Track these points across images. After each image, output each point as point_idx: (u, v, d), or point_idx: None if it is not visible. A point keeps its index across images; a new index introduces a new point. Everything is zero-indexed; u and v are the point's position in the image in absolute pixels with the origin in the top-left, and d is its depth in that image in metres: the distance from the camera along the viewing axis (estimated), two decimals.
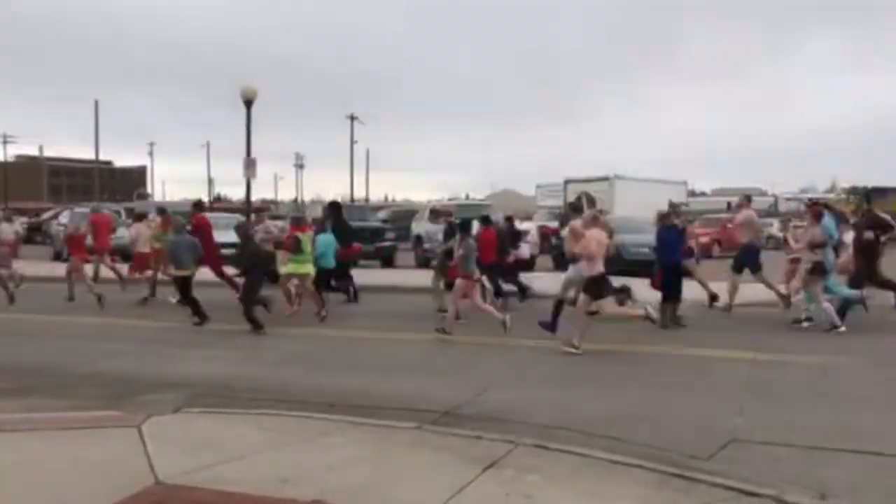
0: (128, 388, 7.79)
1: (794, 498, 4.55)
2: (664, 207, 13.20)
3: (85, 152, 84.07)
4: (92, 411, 6.78)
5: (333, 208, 15.43)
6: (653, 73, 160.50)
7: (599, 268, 9.60)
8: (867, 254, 11.62)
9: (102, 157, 68.72)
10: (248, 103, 20.40)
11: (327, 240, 13.41)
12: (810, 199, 12.64)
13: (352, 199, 60.02)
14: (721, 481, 4.81)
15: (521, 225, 17.29)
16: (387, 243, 22.78)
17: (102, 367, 8.93)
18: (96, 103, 56.20)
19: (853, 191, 56.58)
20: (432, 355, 9.67)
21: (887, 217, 12.22)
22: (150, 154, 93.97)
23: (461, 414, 6.72)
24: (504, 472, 5.05)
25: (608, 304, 9.90)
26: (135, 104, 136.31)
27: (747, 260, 13.00)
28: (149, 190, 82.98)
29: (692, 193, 57.60)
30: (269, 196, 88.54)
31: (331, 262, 13.34)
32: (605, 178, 26.62)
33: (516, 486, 4.78)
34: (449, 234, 12.95)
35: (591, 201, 13.50)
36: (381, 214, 28.56)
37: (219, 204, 60.85)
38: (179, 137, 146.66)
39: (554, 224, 21.50)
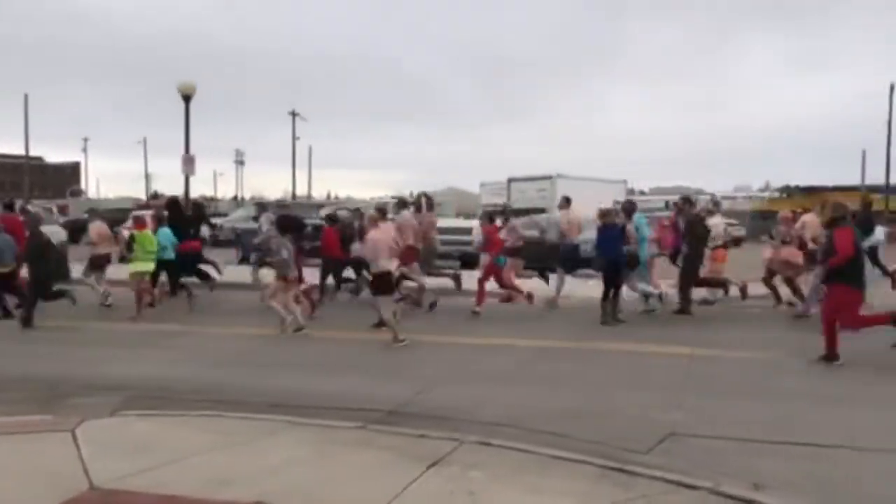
0: (60, 391, 7.55)
1: (730, 489, 4.67)
2: (606, 205, 13.50)
3: (15, 148, 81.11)
4: (21, 416, 6.55)
5: (172, 205, 15.63)
6: (597, 74, 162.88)
7: (386, 265, 10.09)
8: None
9: (33, 152, 66.27)
10: (187, 99, 19.95)
11: (165, 234, 13.73)
12: (680, 198, 13.15)
13: (294, 197, 59.32)
14: (660, 474, 4.92)
15: (466, 222, 17.44)
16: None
17: (31, 371, 8.63)
18: (26, 97, 54.17)
19: (786, 189, 58.51)
20: (375, 354, 9.61)
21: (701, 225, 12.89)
22: (84, 150, 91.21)
23: (405, 412, 6.70)
24: (448, 469, 5.06)
25: (387, 303, 10.24)
26: (68, 100, 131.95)
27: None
28: (83, 187, 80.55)
29: (631, 192, 58.68)
30: (209, 193, 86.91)
31: (171, 255, 13.70)
32: (548, 177, 26.89)
33: (460, 483, 4.79)
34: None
35: (430, 203, 14.31)
36: (324, 212, 28.13)
37: (155, 201, 59.37)
38: (116, 133, 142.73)
39: (498, 222, 21.59)
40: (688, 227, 12.72)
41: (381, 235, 10.30)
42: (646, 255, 12.74)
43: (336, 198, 78.48)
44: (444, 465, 5.14)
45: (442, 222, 17.68)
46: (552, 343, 10.10)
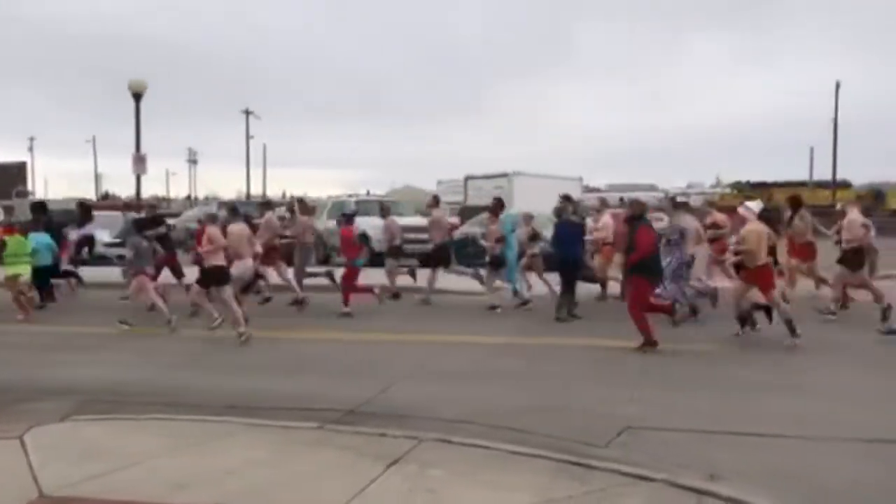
0: (6, 396, 7.32)
1: (686, 480, 4.74)
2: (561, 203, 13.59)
3: None
4: None
5: (36, 208, 15.34)
6: (552, 71, 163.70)
7: (217, 261, 10.65)
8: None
9: None
10: (137, 97, 19.60)
11: (39, 238, 13.55)
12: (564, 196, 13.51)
13: (247, 196, 58.62)
14: (617, 467, 4.98)
15: (425, 221, 17.55)
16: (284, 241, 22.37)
17: None
18: None
19: (737, 185, 59.78)
20: (333, 354, 9.55)
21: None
22: (31, 150, 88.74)
23: (365, 412, 6.67)
24: (407, 467, 5.05)
25: (228, 293, 10.56)
26: (12, 99, 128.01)
27: None
28: (30, 188, 78.29)
29: (587, 189, 59.28)
30: (161, 192, 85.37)
31: (47, 260, 13.63)
32: (505, 175, 27.00)
33: (420, 481, 4.79)
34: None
35: (305, 207, 14.93)
36: (279, 211, 27.85)
37: (105, 202, 58.12)
38: (64, 133, 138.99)
39: (455, 219, 21.72)
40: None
41: (235, 234, 11.15)
42: (513, 254, 13.10)
43: (291, 197, 77.79)
44: (403, 463, 5.13)
45: (400, 221, 17.75)
46: (510, 339, 10.16)
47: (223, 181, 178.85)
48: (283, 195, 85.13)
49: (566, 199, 12.91)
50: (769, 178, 58.43)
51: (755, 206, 10.09)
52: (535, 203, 16.97)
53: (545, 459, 5.19)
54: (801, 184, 56.15)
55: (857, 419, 6.32)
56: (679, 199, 15.63)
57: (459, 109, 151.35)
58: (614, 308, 12.68)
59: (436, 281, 14.11)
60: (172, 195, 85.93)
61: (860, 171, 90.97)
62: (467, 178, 28.86)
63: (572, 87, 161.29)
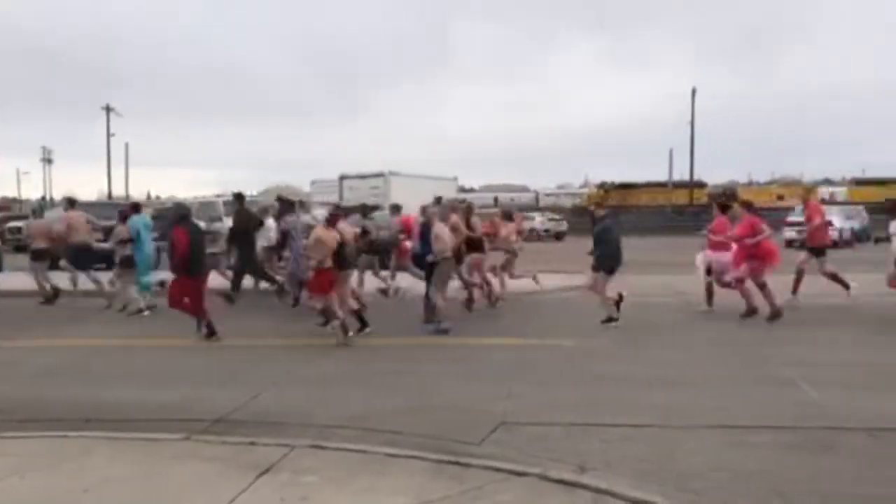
0: None
1: (558, 474, 4.84)
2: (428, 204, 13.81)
3: None
4: None
5: None
6: (428, 73, 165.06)
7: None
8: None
9: None
10: None
11: None
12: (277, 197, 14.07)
13: (109, 196, 55.61)
14: (492, 464, 5.03)
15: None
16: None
17: None
18: None
19: (603, 186, 62.26)
20: (201, 361, 9.16)
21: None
22: None
23: (234, 420, 6.43)
24: (280, 476, 4.90)
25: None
26: None
27: None
28: None
29: (462, 189, 60.04)
30: (12, 193, 79.40)
31: None
32: (381, 174, 26.94)
33: (292, 489, 4.65)
34: None
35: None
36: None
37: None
38: None
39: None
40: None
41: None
42: (149, 254, 13.60)
43: (157, 198, 74.48)
44: (275, 472, 4.97)
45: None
46: (385, 341, 10.11)
47: (82, 181, 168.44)
48: (148, 196, 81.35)
49: (438, 200, 13.18)
50: (633, 179, 61.25)
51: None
52: (412, 203, 16.97)
53: (422, 460, 5.16)
54: (662, 184, 59.32)
55: (717, 407, 6.67)
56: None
57: (335, 109, 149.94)
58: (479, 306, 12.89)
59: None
60: (24, 196, 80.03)
61: (715, 172, 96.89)
62: (342, 178, 28.57)
63: (448, 88, 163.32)
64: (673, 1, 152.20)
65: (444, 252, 10.74)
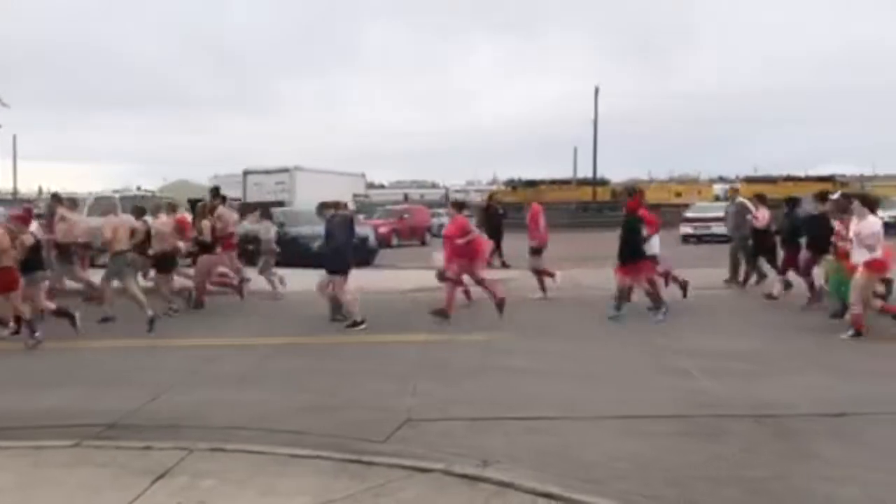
0: None
1: (461, 469, 4.87)
2: (345, 198, 13.69)
3: None
4: None
5: None
6: (334, 69, 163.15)
7: None
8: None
9: None
10: None
11: None
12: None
13: None
14: (395, 461, 5.01)
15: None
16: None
17: None
18: None
19: (510, 183, 63.18)
20: (95, 362, 8.77)
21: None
22: None
23: (129, 424, 6.17)
24: (176, 480, 4.75)
25: None
26: None
27: None
28: None
29: (371, 185, 59.81)
30: None
31: None
32: (286, 170, 26.48)
33: (190, 493, 4.52)
34: None
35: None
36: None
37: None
38: None
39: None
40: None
41: None
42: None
43: (48, 193, 70.96)
44: (171, 476, 4.81)
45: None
46: (289, 340, 9.94)
47: None
48: (40, 191, 77.32)
49: (215, 192, 14.14)
50: (539, 176, 62.30)
51: None
52: (318, 198, 16.78)
53: (325, 460, 5.10)
54: (567, 181, 60.67)
55: (618, 399, 6.86)
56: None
57: (239, 103, 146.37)
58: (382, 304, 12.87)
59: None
60: None
61: (617, 170, 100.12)
62: (246, 173, 27.92)
63: (353, 84, 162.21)
64: (575, 2, 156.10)
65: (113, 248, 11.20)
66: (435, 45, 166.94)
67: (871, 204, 9.90)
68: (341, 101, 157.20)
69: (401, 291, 14.10)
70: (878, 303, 9.82)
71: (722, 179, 65.09)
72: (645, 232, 11.48)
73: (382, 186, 71.17)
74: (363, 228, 22.73)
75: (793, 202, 13.14)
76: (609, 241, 12.43)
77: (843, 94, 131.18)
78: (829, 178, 46.51)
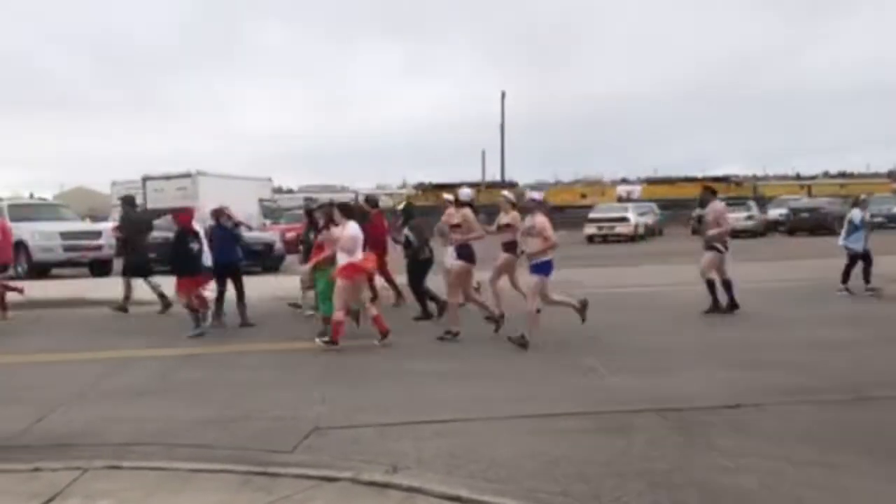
0: None
1: (369, 476, 4.81)
2: (251, 203, 13.38)
3: None
4: None
5: None
6: (230, 73, 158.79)
7: None
8: None
9: None
10: None
11: None
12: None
13: None
14: (302, 472, 4.90)
15: (96, 226, 16.30)
16: None
17: None
18: None
19: (420, 187, 63.36)
20: None
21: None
22: None
23: (16, 445, 5.80)
24: (69, 502, 4.49)
25: None
26: None
27: None
28: None
29: (279, 190, 58.76)
30: None
31: None
32: (188, 175, 25.61)
33: None
34: None
35: None
36: None
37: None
38: None
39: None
40: None
41: None
42: None
43: None
44: (63, 498, 4.56)
45: (69, 226, 16.22)
46: (192, 350, 9.61)
47: None
48: None
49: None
50: (448, 180, 62.70)
51: None
52: (223, 203, 16.35)
53: (229, 473, 4.93)
54: (476, 185, 61.28)
55: (527, 396, 6.94)
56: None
57: (133, 106, 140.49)
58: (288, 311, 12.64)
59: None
60: None
61: (524, 173, 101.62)
62: (145, 179, 26.89)
63: (248, 88, 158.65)
64: (474, 7, 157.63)
65: None
66: (332, 46, 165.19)
67: None
68: (238, 103, 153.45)
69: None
70: None
71: (625, 181, 67.12)
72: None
73: (291, 191, 69.99)
74: (269, 234, 22.32)
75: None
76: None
77: (739, 98, 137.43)
78: (724, 179, 48.58)
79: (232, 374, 8.30)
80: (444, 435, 5.89)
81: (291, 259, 18.94)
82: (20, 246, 18.32)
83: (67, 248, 19.35)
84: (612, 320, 11.04)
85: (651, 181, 58.59)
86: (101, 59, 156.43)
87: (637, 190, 55.61)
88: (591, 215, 33.87)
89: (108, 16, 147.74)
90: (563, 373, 7.90)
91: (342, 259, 9.25)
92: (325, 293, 9.89)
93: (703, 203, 12.19)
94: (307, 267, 10.70)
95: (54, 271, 19.98)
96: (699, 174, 54.39)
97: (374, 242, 11.56)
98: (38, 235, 18.76)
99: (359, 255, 9.32)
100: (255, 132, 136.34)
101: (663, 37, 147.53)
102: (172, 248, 11.14)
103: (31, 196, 30.55)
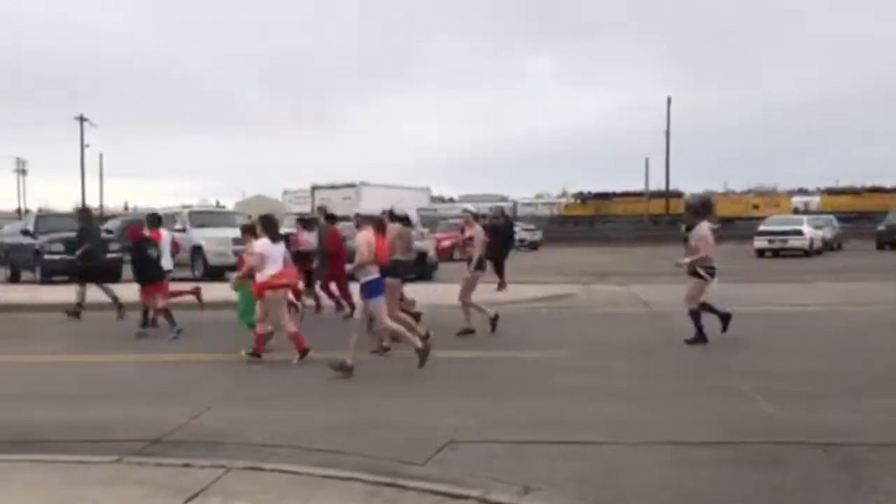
0: None
1: (498, 496, 4.67)
2: (410, 211, 13.97)
3: None
4: None
5: None
6: (396, 84, 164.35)
7: None
8: None
9: None
10: None
11: None
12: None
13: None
14: (430, 486, 4.83)
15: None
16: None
17: None
18: None
19: (580, 196, 62.42)
20: (143, 377, 8.90)
21: None
22: None
23: (172, 441, 6.19)
24: (209, 500, 4.69)
25: None
26: None
27: None
28: None
29: (440, 199, 60.02)
30: None
31: None
32: (352, 185, 26.82)
33: None
34: None
35: None
36: (110, 224, 25.95)
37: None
38: None
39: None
40: None
41: None
42: None
43: (135, 208, 73.92)
44: (204, 496, 4.76)
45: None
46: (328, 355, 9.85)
47: (58, 192, 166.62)
48: (126, 207, 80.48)
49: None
50: (610, 189, 61.35)
51: None
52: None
53: (358, 482, 4.97)
54: (639, 194, 59.50)
55: (668, 421, 6.54)
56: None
57: (304, 119, 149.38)
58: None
59: None
60: None
61: (690, 182, 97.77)
62: (314, 188, 28.41)
63: (419, 99, 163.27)
64: (642, 12, 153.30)
65: None
66: (495, 57, 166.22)
67: None
68: (411, 114, 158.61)
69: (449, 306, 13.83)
70: None
71: (802, 191, 62.78)
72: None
73: (452, 200, 71.21)
74: (423, 243, 22.71)
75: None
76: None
77: None
78: None
79: (364, 381, 8.32)
80: (579, 457, 5.64)
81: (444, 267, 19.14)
82: (197, 250, 19.79)
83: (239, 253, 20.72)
84: (768, 342, 10.27)
85: (831, 191, 54.43)
86: (273, 76, 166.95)
87: (815, 201, 51.92)
88: (762, 227, 31.78)
89: (278, 37, 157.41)
90: (709, 395, 7.40)
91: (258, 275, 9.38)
92: (249, 306, 10.10)
93: (689, 226, 11.03)
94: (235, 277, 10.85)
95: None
96: (889, 184, 49.88)
97: (332, 255, 13.20)
98: (214, 241, 20.13)
99: (269, 271, 9.29)
100: (420, 142, 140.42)
101: (841, 37, 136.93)
102: (131, 258, 12.22)
103: (217, 203, 33.03)
